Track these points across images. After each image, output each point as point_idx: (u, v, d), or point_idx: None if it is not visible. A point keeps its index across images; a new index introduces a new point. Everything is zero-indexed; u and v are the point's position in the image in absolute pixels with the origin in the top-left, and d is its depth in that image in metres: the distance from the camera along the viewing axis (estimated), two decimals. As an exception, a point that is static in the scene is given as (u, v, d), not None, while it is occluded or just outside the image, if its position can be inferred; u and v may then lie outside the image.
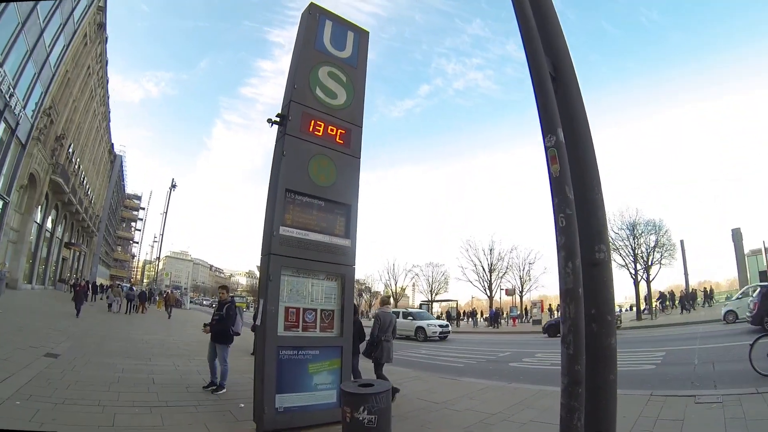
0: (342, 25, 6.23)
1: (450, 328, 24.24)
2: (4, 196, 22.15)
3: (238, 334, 7.24)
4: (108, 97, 48.24)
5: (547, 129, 2.87)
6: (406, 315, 23.77)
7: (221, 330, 6.94)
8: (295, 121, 5.24)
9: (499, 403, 6.76)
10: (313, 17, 5.85)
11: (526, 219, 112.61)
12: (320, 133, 5.44)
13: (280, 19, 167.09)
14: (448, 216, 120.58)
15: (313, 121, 5.41)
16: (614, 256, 39.24)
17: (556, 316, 30.81)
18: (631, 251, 37.85)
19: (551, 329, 24.62)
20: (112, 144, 61.31)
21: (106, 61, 41.69)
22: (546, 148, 2.85)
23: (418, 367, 11.48)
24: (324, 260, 5.03)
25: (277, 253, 4.60)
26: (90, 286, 36.52)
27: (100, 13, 33.37)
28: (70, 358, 8.53)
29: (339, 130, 5.64)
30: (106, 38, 38.89)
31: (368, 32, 6.56)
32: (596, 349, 2.68)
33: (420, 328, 21.84)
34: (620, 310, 38.54)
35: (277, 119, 5.31)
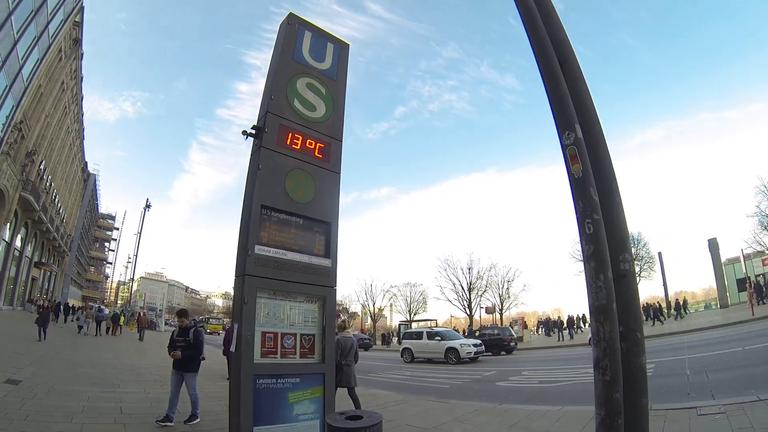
0: (322, 36, 6.03)
1: (483, 347, 21.44)
2: (-31, 213, 21.21)
3: (204, 359, 6.82)
4: (82, 115, 47.27)
5: (563, 126, 2.63)
6: (431, 335, 21.05)
7: (191, 357, 6.47)
8: (271, 134, 4.97)
9: (492, 426, 6.49)
10: (292, 27, 5.65)
11: (503, 237, 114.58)
12: (298, 147, 5.17)
13: (258, 41, 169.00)
14: (425, 236, 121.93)
15: (290, 134, 5.15)
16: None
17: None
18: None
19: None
20: (86, 162, 59.98)
21: (81, 78, 40.91)
22: (564, 147, 2.61)
23: (402, 389, 11.15)
24: (303, 281, 4.69)
25: (252, 273, 4.26)
26: (61, 307, 35.25)
27: (76, 28, 32.76)
28: (32, 385, 8.02)
29: (318, 144, 5.38)
30: (82, 54, 38.22)
31: (348, 45, 6.38)
32: (627, 371, 2.39)
33: (451, 349, 19.38)
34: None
35: (253, 131, 5.04)
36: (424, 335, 21.48)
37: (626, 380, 2.39)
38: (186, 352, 6.41)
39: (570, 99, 2.69)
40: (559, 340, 29.64)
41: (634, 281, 2.61)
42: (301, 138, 5.22)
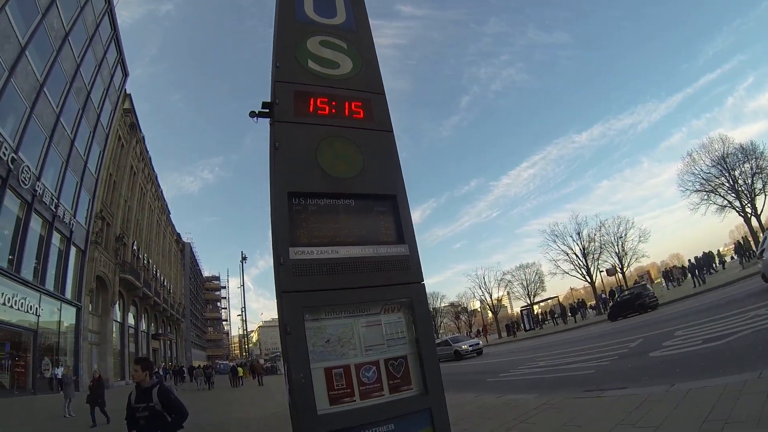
0: (326, -10, 4.71)
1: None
2: (75, 302, 22.76)
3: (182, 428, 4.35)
4: (162, 192, 50.48)
5: None
6: None
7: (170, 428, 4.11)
8: (285, 104, 3.64)
9: (681, 425, 4.50)
10: (288, -12, 4.37)
11: (602, 193, 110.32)
12: (326, 111, 3.81)
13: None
14: (524, 215, 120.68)
15: (312, 99, 3.79)
16: (712, 197, 34.31)
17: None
18: (730, 188, 33.02)
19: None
20: (179, 234, 64.25)
21: (150, 159, 43.59)
22: None
23: (541, 385, 9.23)
24: (372, 283, 3.18)
25: (290, 289, 2.86)
26: (185, 369, 37.87)
27: (128, 115, 34.81)
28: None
29: (353, 102, 3.96)
30: (143, 137, 40.70)
31: (362, -7, 5.01)
32: None
33: None
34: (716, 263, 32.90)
35: (266, 110, 3.77)
36: None
37: None
38: (152, 422, 4.07)
39: None
40: (694, 286, 25.79)
41: None
42: (328, 100, 3.86)
